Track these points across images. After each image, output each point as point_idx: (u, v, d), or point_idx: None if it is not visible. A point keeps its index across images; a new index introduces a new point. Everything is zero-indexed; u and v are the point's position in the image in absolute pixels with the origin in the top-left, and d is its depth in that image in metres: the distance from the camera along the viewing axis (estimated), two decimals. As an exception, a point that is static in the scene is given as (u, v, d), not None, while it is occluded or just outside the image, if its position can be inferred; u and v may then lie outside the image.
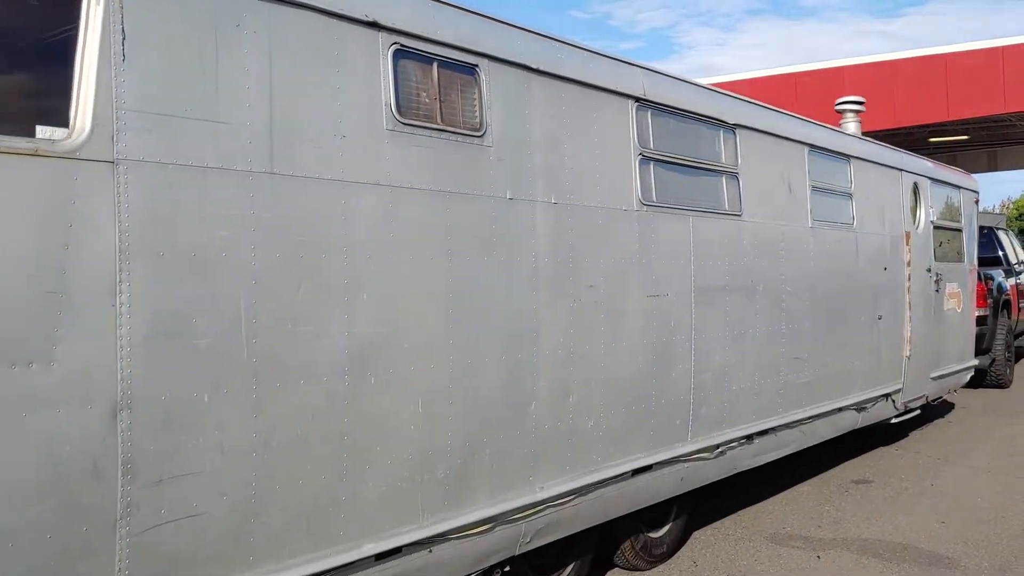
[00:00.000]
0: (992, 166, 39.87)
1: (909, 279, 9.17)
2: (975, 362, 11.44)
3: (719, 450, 6.17)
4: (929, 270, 9.72)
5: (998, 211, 68.52)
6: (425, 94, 4.07)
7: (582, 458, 4.95)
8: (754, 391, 6.54)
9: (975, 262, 11.52)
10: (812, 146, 7.47)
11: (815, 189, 7.49)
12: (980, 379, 13.95)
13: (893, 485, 8.20)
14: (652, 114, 5.60)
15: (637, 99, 5.44)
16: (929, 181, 9.90)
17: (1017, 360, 17.19)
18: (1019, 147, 35.94)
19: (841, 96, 28.30)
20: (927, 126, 28.69)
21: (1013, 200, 76.90)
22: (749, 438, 6.51)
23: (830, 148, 7.82)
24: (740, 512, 7.36)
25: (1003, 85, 26.28)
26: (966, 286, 10.98)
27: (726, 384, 6.21)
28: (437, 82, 4.14)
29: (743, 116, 6.50)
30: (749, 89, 29.69)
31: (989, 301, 13.56)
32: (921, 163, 9.91)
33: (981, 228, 16.28)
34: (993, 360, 13.72)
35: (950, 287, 10.36)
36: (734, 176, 6.39)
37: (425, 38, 4.06)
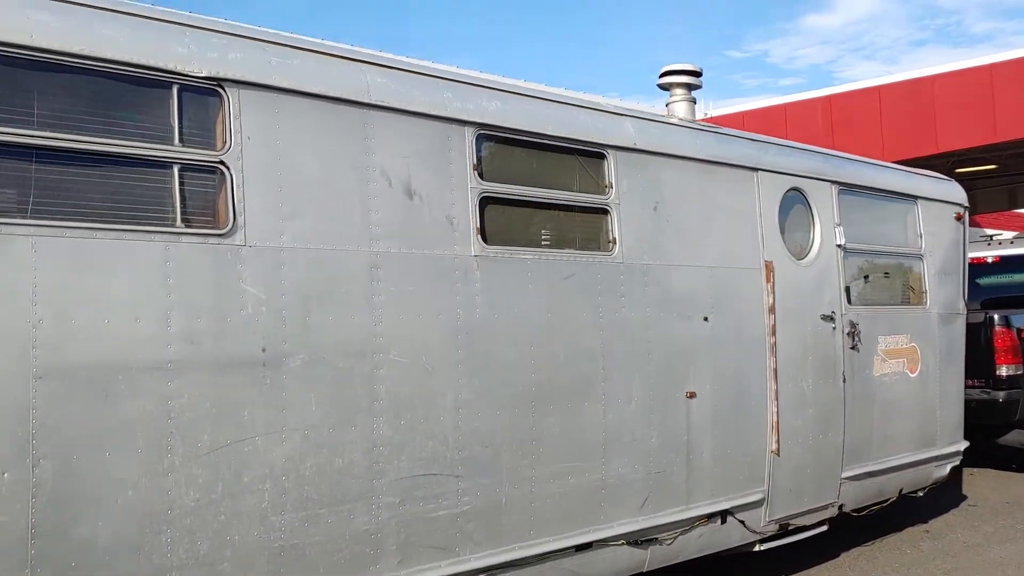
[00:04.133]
0: None
1: (773, 334, 6.01)
2: (960, 445, 7.94)
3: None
4: (831, 317, 6.49)
5: None
6: None
7: None
8: (282, 544, 3.72)
9: (960, 303, 8.05)
10: (487, 127, 4.62)
11: (496, 197, 4.63)
12: (1026, 461, 10.35)
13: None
14: None
15: None
16: (834, 187, 6.71)
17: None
18: None
19: (932, 111, 23.72)
20: (1041, 139, 24.04)
21: None
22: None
23: (548, 134, 4.91)
24: None
25: None
26: (935, 338, 7.57)
27: (167, 541, 3.44)
28: None
29: (244, 65, 3.78)
30: (823, 105, 26.08)
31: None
32: (816, 160, 6.73)
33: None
34: (1035, 436, 9.99)
35: (888, 341, 7.05)
36: (217, 170, 3.67)
37: None
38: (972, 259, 13.02)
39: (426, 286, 4.26)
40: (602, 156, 5.16)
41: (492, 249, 4.55)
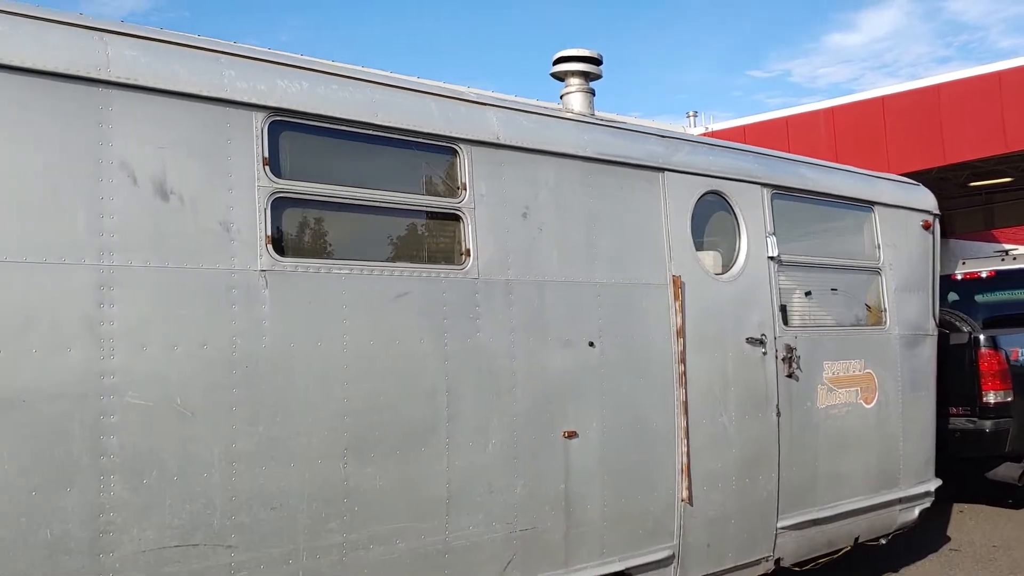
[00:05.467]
0: None
1: (682, 361, 5.11)
2: (931, 485, 6.95)
3: None
4: (760, 341, 5.57)
5: None
6: None
7: None
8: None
9: (930, 323, 7.09)
10: (285, 113, 3.78)
11: (297, 199, 3.79)
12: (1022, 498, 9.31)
13: None
14: None
15: None
16: (766, 190, 5.80)
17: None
18: None
19: (939, 120, 22.48)
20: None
21: None
22: None
23: (376, 123, 4.05)
24: None
25: None
26: (896, 363, 6.62)
27: None
28: None
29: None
30: (826, 116, 25.08)
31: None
32: (741, 159, 5.83)
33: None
34: (1030, 470, 8.95)
35: (836, 367, 6.11)
36: None
37: None
38: (966, 275, 12.01)
39: (186, 309, 3.41)
40: (453, 152, 4.30)
41: (288, 262, 3.69)
